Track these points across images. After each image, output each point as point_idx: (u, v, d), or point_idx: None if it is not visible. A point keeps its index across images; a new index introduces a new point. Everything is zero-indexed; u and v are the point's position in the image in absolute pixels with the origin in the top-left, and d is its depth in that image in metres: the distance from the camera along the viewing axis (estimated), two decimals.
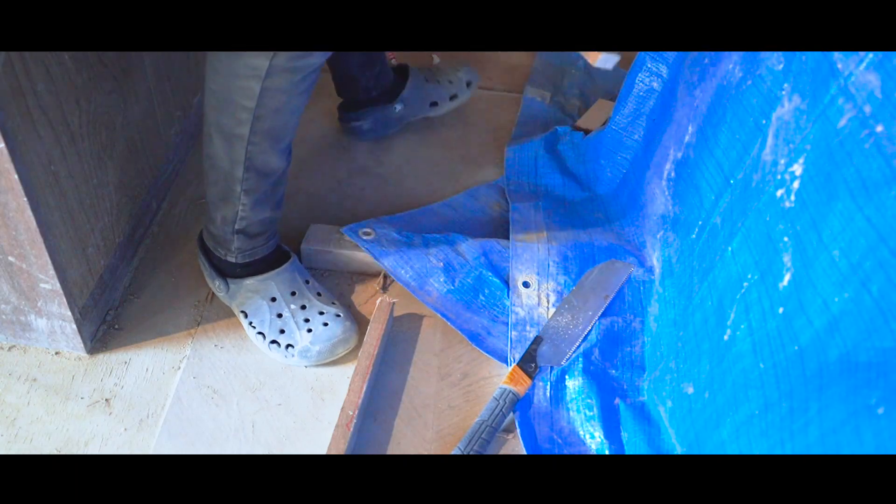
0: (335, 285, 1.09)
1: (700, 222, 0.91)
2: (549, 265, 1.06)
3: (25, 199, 0.79)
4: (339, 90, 1.30)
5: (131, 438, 0.91)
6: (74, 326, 0.95)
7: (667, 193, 1.03)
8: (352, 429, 0.88)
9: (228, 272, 1.02)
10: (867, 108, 0.61)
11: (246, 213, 0.96)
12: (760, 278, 0.73)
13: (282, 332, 0.99)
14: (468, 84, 1.34)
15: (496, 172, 1.27)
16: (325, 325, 0.99)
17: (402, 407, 0.96)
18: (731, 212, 0.83)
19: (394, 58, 1.37)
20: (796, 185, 0.70)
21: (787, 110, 0.74)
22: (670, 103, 1.05)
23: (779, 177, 0.73)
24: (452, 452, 0.88)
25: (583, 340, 0.98)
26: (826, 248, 0.63)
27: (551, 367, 0.96)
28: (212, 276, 1.03)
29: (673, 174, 1.01)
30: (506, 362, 0.97)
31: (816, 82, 0.70)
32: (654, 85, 1.11)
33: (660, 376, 0.92)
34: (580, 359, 0.96)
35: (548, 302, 1.02)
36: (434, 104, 1.33)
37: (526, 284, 1.04)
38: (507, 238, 1.11)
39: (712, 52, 0.93)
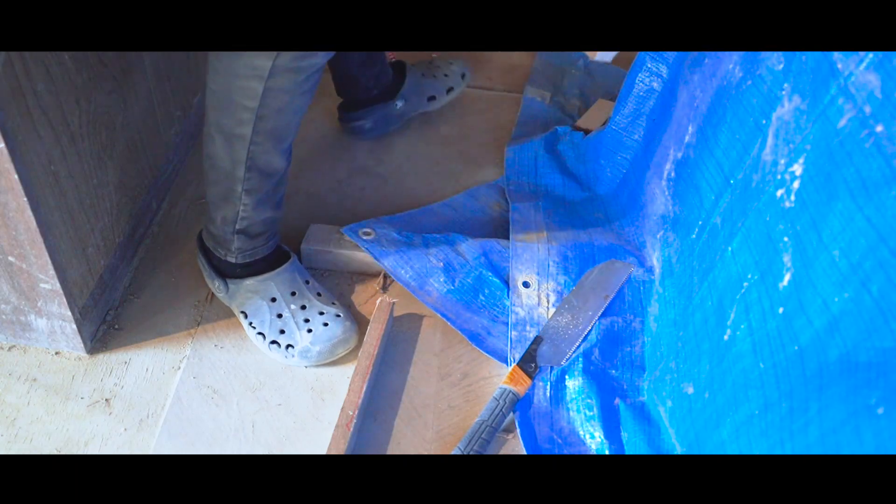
0: (335, 285, 1.09)
1: (700, 222, 0.91)
2: (549, 265, 1.06)
3: (25, 199, 0.79)
4: (340, 90, 1.30)
5: (131, 438, 0.91)
6: (74, 326, 0.95)
7: (667, 193, 1.03)
8: (352, 429, 0.88)
9: (228, 272, 1.02)
10: (867, 108, 0.61)
11: (247, 213, 0.96)
12: (760, 278, 0.73)
13: (282, 332, 0.99)
14: (462, 76, 1.37)
15: (496, 172, 1.27)
16: (326, 325, 0.99)
17: (402, 407, 0.96)
18: (731, 212, 0.83)
19: (392, 56, 1.38)
20: (796, 185, 0.70)
21: (787, 110, 0.74)
22: (670, 103, 1.05)
23: (779, 177, 0.73)
24: (452, 452, 0.88)
25: (583, 340, 0.98)
26: (826, 248, 0.63)
27: (551, 367, 0.96)
28: (211, 277, 1.03)
29: (673, 174, 1.01)
30: (506, 362, 0.97)
31: (816, 82, 0.70)
32: (654, 85, 1.11)
33: (660, 376, 0.92)
34: (580, 359, 0.96)
35: (548, 302, 1.02)
36: (432, 98, 1.34)
37: (526, 284, 1.04)
38: (507, 238, 1.11)
39: (712, 52, 0.93)
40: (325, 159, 1.29)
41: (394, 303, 1.03)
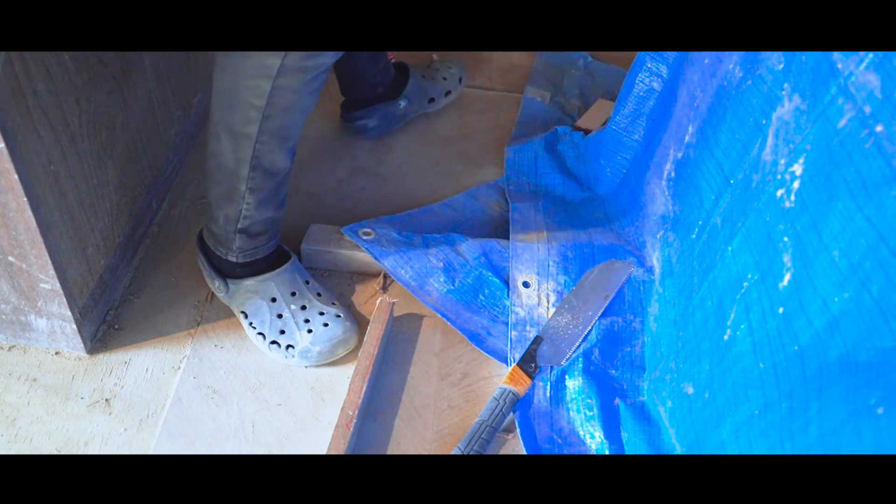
0: (335, 285, 1.09)
1: (700, 222, 0.91)
2: (549, 265, 1.06)
3: (25, 199, 0.79)
4: (344, 89, 1.30)
5: (131, 438, 0.91)
6: (74, 326, 0.95)
7: (667, 193, 1.03)
8: (352, 429, 0.88)
9: (229, 272, 1.02)
10: (867, 108, 0.61)
11: (249, 212, 0.96)
12: (760, 278, 0.73)
13: (282, 332, 0.99)
14: (460, 80, 1.40)
15: (496, 172, 1.27)
16: (326, 325, 0.99)
17: (402, 407, 0.96)
18: (731, 212, 0.83)
19: (393, 56, 1.38)
20: (796, 185, 0.70)
21: (787, 110, 0.74)
22: (670, 103, 1.05)
23: (779, 177, 0.73)
24: (452, 452, 0.88)
25: (583, 340, 0.98)
26: (826, 248, 0.63)
27: (551, 367, 0.96)
28: (211, 277, 1.03)
29: (673, 174, 1.01)
30: (506, 362, 0.97)
31: (816, 82, 0.70)
32: (654, 85, 1.11)
33: (660, 376, 0.92)
34: (580, 359, 0.96)
35: (548, 302, 1.02)
36: (432, 100, 1.36)
37: (526, 284, 1.04)
38: (507, 238, 1.11)
39: (712, 52, 0.93)
40: (325, 159, 1.29)
41: (394, 303, 1.03)
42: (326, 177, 1.26)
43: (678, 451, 0.84)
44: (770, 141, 0.77)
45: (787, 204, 0.71)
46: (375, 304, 1.02)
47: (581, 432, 0.91)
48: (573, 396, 0.93)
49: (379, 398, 0.96)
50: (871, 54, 0.62)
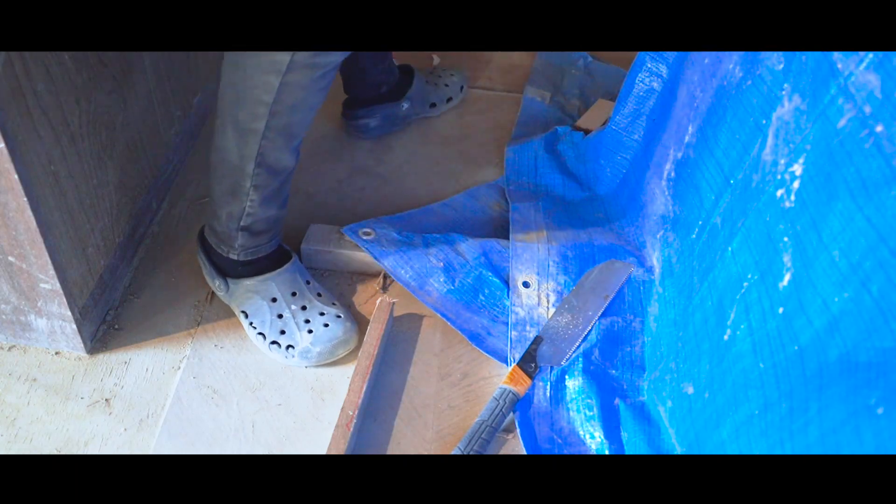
0: (335, 285, 1.09)
1: (700, 222, 0.91)
2: (549, 265, 1.06)
3: (25, 199, 0.79)
4: (347, 86, 1.31)
5: (131, 438, 0.91)
6: (74, 326, 0.95)
7: (667, 193, 1.03)
8: (352, 429, 0.88)
9: (230, 271, 1.02)
10: (867, 108, 0.61)
11: (253, 210, 0.96)
12: (760, 278, 0.73)
13: (282, 332, 0.99)
14: (461, 88, 1.41)
15: (496, 172, 1.27)
16: (326, 325, 0.99)
17: (402, 407, 0.96)
18: (731, 212, 0.83)
19: (395, 58, 1.38)
20: (796, 185, 0.70)
21: (787, 110, 0.74)
22: (670, 103, 1.05)
23: (779, 177, 0.73)
24: (452, 452, 0.88)
25: (583, 340, 0.98)
26: (826, 248, 0.63)
27: (551, 367, 0.96)
28: (212, 276, 1.03)
29: (673, 174, 1.01)
30: (506, 362, 0.97)
31: (816, 82, 0.70)
32: (654, 85, 1.11)
33: (660, 376, 0.92)
34: (580, 359, 0.96)
35: (548, 302, 1.02)
36: (433, 105, 1.37)
37: (526, 284, 1.04)
38: (507, 238, 1.11)
39: (712, 52, 0.93)
40: (325, 159, 1.29)
41: (394, 303, 1.03)
42: (326, 177, 1.26)
43: (678, 451, 0.84)
44: (770, 141, 0.77)
45: (787, 204, 0.71)
46: (375, 304, 1.02)
47: (581, 432, 0.91)
48: (573, 396, 0.93)
49: (379, 398, 0.96)
50: (871, 54, 0.62)
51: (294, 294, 1.01)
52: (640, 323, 1.01)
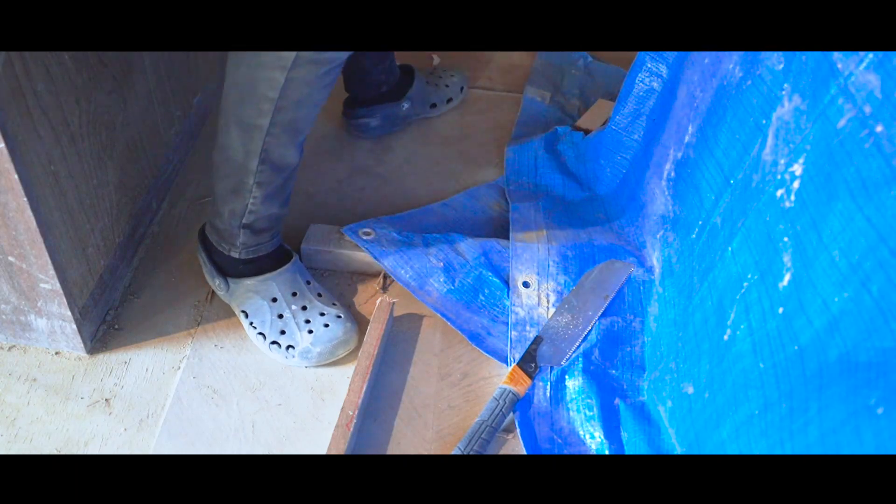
0: (335, 285, 1.09)
1: (700, 222, 0.91)
2: (549, 265, 1.06)
3: (25, 199, 0.79)
4: (348, 85, 1.31)
5: (131, 438, 0.91)
6: (74, 326, 0.95)
7: (667, 193, 1.03)
8: (352, 429, 0.88)
9: (230, 270, 1.02)
10: (867, 108, 0.61)
11: (256, 207, 0.96)
12: (760, 278, 0.73)
13: (282, 332, 0.99)
14: (461, 89, 1.41)
15: (496, 172, 1.27)
16: (326, 326, 0.99)
17: (402, 407, 0.96)
18: (731, 212, 0.83)
19: (396, 58, 1.39)
20: (796, 185, 0.70)
21: (787, 110, 0.74)
22: (670, 103, 1.05)
23: (779, 177, 0.73)
24: (452, 452, 0.88)
25: (583, 340, 0.98)
26: (826, 248, 0.63)
27: (551, 367, 0.96)
28: (212, 275, 1.02)
29: (673, 174, 1.01)
30: (506, 362, 0.97)
31: (816, 82, 0.70)
32: (654, 85, 1.11)
33: (660, 376, 0.92)
34: (580, 359, 0.96)
35: (548, 302, 1.02)
36: (433, 106, 1.37)
37: (526, 284, 1.04)
38: (507, 238, 1.11)
39: (712, 52, 0.93)
40: (325, 159, 1.29)
41: (394, 303, 1.03)
42: (326, 177, 1.26)
43: (678, 451, 0.84)
44: (770, 141, 0.77)
45: (787, 204, 0.71)
46: (375, 304, 1.02)
47: (581, 432, 0.91)
48: (573, 396, 0.93)
49: (379, 398, 0.96)
50: (871, 54, 0.62)
51: (294, 294, 1.01)
52: (640, 323, 1.01)
